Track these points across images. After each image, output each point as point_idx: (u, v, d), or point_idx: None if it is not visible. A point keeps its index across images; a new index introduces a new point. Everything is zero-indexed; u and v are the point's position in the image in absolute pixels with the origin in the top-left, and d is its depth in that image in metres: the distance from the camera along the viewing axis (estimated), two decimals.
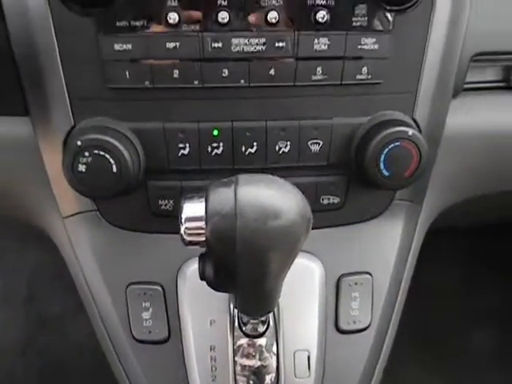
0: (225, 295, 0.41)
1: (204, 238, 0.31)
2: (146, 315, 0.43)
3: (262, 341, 0.41)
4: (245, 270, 0.31)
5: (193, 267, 0.43)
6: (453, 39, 0.41)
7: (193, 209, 0.31)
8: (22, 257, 1.11)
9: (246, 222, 0.29)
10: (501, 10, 0.45)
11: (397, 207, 0.46)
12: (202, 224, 0.30)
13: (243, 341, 0.41)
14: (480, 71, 0.48)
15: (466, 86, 0.47)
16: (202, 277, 0.34)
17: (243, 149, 0.41)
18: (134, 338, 0.43)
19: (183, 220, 0.31)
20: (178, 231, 0.36)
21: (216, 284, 0.33)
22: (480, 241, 1.12)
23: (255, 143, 0.41)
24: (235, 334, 0.41)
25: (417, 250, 0.49)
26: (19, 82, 0.40)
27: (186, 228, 0.31)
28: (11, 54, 0.39)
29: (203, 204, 0.31)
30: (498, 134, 0.49)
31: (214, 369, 0.42)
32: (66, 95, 0.39)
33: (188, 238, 0.32)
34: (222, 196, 0.30)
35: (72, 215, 0.44)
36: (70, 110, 0.39)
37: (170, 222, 0.42)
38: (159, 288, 0.43)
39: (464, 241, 1.11)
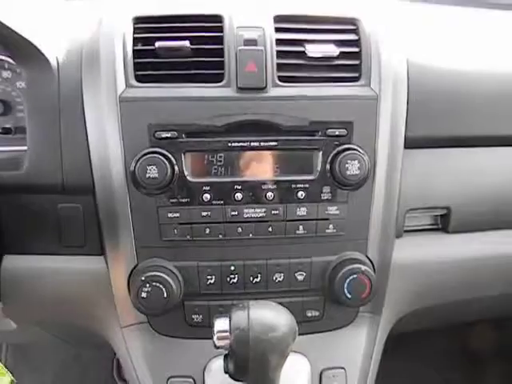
0: None
1: (228, 343, 0.48)
2: None
3: None
4: (254, 365, 0.48)
5: (215, 364, 0.59)
6: (389, 203, 0.62)
7: (222, 324, 0.49)
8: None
9: (255, 333, 0.47)
10: (427, 175, 0.67)
11: (361, 318, 0.63)
12: (227, 334, 0.48)
13: None
14: (416, 219, 0.69)
15: (406, 229, 0.68)
16: (226, 370, 0.51)
17: (251, 279, 0.60)
18: None
19: (215, 331, 0.49)
20: (205, 337, 0.54)
21: (235, 375, 0.50)
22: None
23: (259, 275, 0.59)
24: None
25: (380, 349, 0.65)
26: (100, 232, 0.60)
27: (217, 337, 0.49)
28: (97, 218, 0.59)
29: (227, 320, 0.49)
30: (433, 261, 0.68)
31: None
32: (133, 244, 0.59)
33: (218, 343, 0.49)
34: (240, 316, 0.49)
35: (129, 326, 0.62)
36: (135, 254, 0.59)
37: (200, 330, 0.60)
38: (191, 380, 0.59)
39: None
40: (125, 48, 0.57)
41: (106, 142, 0.56)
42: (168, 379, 0.59)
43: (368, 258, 0.61)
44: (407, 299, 0.68)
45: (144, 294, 0.56)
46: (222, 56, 0.57)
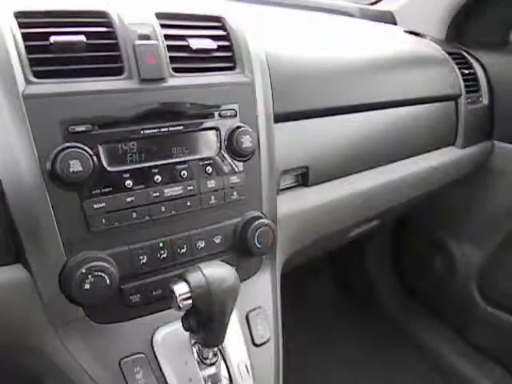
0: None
1: (191, 303, 0.55)
2: (138, 376, 0.62)
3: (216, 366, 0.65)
4: (217, 315, 0.56)
5: (160, 334, 0.64)
6: (271, 169, 0.76)
7: (181, 287, 0.55)
8: None
9: (214, 287, 0.55)
10: (292, 143, 0.84)
11: (265, 264, 0.77)
12: (189, 295, 0.55)
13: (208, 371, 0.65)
14: (284, 179, 0.86)
15: (281, 187, 0.84)
16: (188, 328, 0.58)
17: (178, 250, 0.66)
18: None
19: (177, 296, 0.55)
20: (145, 314, 0.60)
21: (198, 329, 0.58)
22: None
23: (185, 245, 0.66)
24: (202, 367, 0.64)
25: (279, 285, 0.80)
26: (15, 238, 0.57)
27: (180, 300, 0.55)
28: (9, 224, 0.56)
29: (185, 283, 0.56)
30: (303, 210, 0.87)
31: None
32: (60, 241, 0.58)
33: (182, 305, 0.55)
34: (196, 276, 0.56)
35: (64, 326, 0.61)
36: (63, 251, 0.58)
37: (139, 309, 0.64)
38: (143, 355, 0.63)
39: None
40: (16, 44, 0.55)
41: (11, 144, 0.54)
42: (120, 361, 0.62)
43: (264, 214, 0.75)
44: (291, 242, 0.85)
45: (87, 286, 0.57)
46: (118, 50, 0.61)
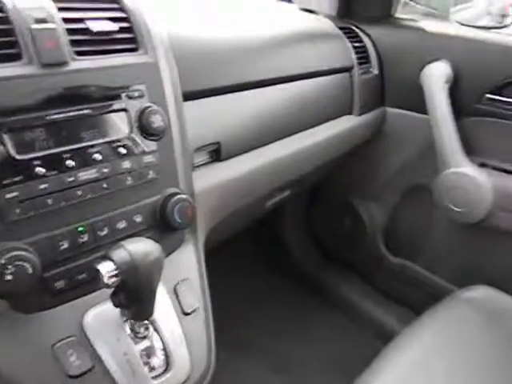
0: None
1: (119, 279, 0.57)
2: (73, 358, 0.62)
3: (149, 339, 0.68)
4: (145, 287, 0.59)
5: (89, 316, 0.65)
6: (184, 146, 0.79)
7: (107, 266, 0.57)
8: None
9: (140, 261, 0.58)
10: (203, 120, 0.87)
11: (187, 238, 0.80)
12: (116, 272, 0.57)
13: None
14: (197, 156, 0.89)
15: (195, 165, 0.87)
16: (117, 304, 0.60)
17: (99, 233, 0.67)
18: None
19: (104, 274, 0.57)
20: (72, 298, 0.61)
21: (129, 304, 0.60)
22: None
23: (105, 228, 0.67)
24: (136, 341, 0.67)
25: (203, 257, 0.84)
26: None
27: (107, 278, 0.57)
28: None
29: (110, 262, 0.57)
30: (219, 184, 0.91)
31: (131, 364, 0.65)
32: None
33: (110, 282, 0.57)
34: (121, 253, 0.58)
35: None
36: None
37: (65, 294, 0.64)
38: (74, 338, 0.64)
39: None
40: None
41: None
42: (52, 347, 0.62)
43: (181, 190, 0.78)
44: (210, 215, 0.89)
45: (9, 277, 0.56)
46: (14, 35, 0.59)
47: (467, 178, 1.28)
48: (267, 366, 1.54)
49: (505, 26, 1.46)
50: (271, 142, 1.06)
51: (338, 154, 1.39)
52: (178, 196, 0.74)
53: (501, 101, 1.27)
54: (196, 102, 0.85)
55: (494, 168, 1.33)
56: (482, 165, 1.34)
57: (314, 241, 1.93)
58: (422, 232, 1.53)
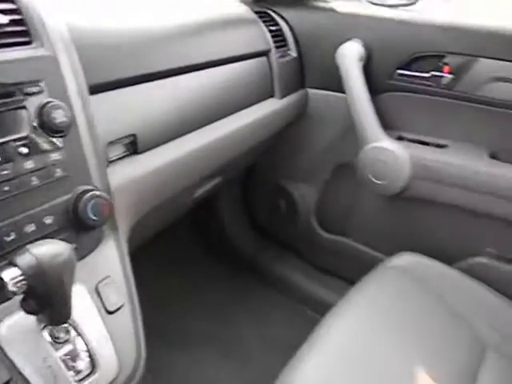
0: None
1: (26, 284, 0.55)
2: None
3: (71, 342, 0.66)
4: (55, 290, 0.57)
5: (3, 328, 0.62)
6: (94, 141, 0.76)
7: (11, 272, 0.54)
8: None
9: (47, 263, 0.56)
10: (115, 111, 0.84)
11: (107, 236, 0.78)
12: (22, 278, 0.54)
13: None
14: (113, 150, 0.87)
15: (110, 160, 0.85)
16: (29, 311, 0.57)
17: (6, 238, 0.63)
18: None
19: (8, 281, 0.54)
20: None
21: (40, 309, 0.57)
22: None
23: (12, 232, 0.63)
24: (56, 347, 0.64)
25: (126, 252, 0.82)
26: None
27: (12, 284, 0.54)
28: None
29: (14, 267, 0.55)
30: (139, 176, 0.89)
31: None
32: None
33: (15, 289, 0.54)
34: (25, 257, 0.55)
35: None
36: None
37: None
38: None
39: None
40: None
41: None
42: None
43: (95, 187, 0.75)
44: (132, 209, 0.87)
45: None
46: None
47: (386, 151, 1.34)
48: (214, 352, 1.55)
49: (412, 4, 1.53)
50: (193, 131, 1.05)
51: (264, 137, 1.40)
52: (91, 193, 0.71)
53: (411, 75, 1.34)
54: (105, 94, 0.82)
55: (411, 140, 1.40)
56: (400, 138, 1.41)
57: (251, 223, 1.96)
58: (351, 207, 1.59)
